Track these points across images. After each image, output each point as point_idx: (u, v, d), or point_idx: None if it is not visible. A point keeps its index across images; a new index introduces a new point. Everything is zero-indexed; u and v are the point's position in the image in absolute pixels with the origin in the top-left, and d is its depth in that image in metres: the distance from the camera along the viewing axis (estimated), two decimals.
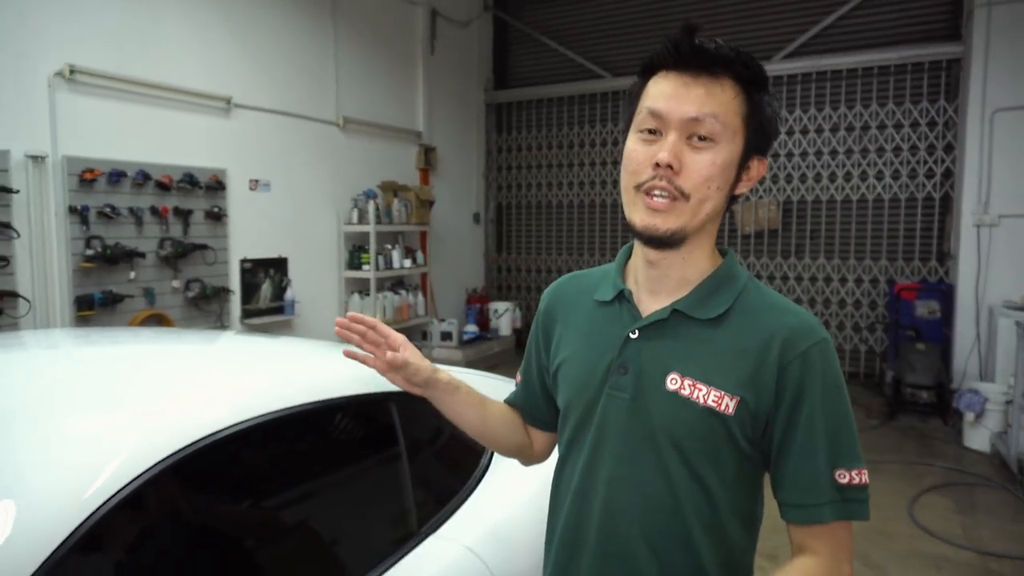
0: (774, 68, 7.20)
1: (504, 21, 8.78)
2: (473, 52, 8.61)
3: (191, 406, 1.27)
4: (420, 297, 7.28)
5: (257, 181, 5.83)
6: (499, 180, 8.95)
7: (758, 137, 1.04)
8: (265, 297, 5.94)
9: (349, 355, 1.14)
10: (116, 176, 4.71)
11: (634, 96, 1.09)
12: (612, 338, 1.09)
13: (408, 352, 1.12)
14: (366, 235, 6.68)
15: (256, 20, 5.76)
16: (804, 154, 7.20)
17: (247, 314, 5.75)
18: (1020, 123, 5.81)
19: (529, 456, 1.31)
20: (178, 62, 5.13)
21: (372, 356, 1.12)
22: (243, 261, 5.73)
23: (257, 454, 1.33)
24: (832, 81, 7.04)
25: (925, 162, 6.69)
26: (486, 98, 8.83)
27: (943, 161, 6.61)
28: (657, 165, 0.98)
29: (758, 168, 1.06)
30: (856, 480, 0.99)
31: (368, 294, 6.61)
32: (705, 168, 0.99)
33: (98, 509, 0.99)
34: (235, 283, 5.66)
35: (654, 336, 1.05)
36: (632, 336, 1.06)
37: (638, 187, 1.01)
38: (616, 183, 7.94)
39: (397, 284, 7.17)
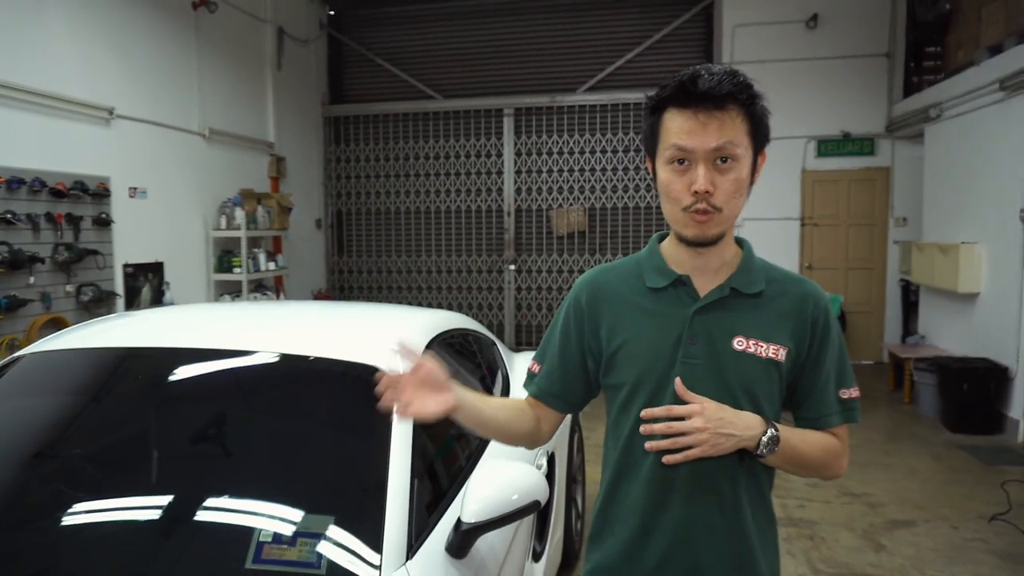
0: (578, 99, 8.83)
1: (340, 41, 9.48)
2: (312, 69, 9.21)
3: (407, 328, 2.18)
4: (280, 297, 7.77)
5: (135, 188, 6.06)
6: (338, 188, 9.61)
7: (761, 139, 1.25)
8: (145, 300, 6.16)
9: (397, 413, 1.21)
10: (17, 183, 4.83)
11: (653, 131, 1.26)
12: (677, 316, 1.27)
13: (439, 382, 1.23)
14: (234, 240, 7.08)
15: (133, 35, 6.00)
16: (604, 169, 8.90)
17: None
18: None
19: (537, 441, 1.43)
20: (66, 74, 5.29)
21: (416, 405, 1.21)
22: (126, 266, 5.94)
23: (450, 348, 2.27)
24: (623, 111, 8.82)
25: None
26: (323, 111, 9.46)
27: None
28: (696, 192, 1.19)
29: (762, 160, 1.29)
30: (853, 395, 1.33)
31: (239, 295, 7.02)
32: (731, 185, 1.20)
33: (428, 344, 1.92)
34: (120, 287, 5.86)
35: (715, 310, 1.27)
36: (699, 311, 1.27)
37: (684, 209, 1.22)
38: (447, 191, 9.13)
39: (259, 286, 7.61)
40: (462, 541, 1.57)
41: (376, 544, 1.45)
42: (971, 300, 5.92)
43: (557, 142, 8.98)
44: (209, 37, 7.03)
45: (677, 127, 1.20)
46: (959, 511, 3.94)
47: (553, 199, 9.04)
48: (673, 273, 1.30)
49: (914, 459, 4.83)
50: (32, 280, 4.99)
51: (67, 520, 1.58)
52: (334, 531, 1.45)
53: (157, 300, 6.27)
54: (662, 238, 1.37)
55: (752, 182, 1.27)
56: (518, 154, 9.11)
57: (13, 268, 4.80)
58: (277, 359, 1.88)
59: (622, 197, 8.86)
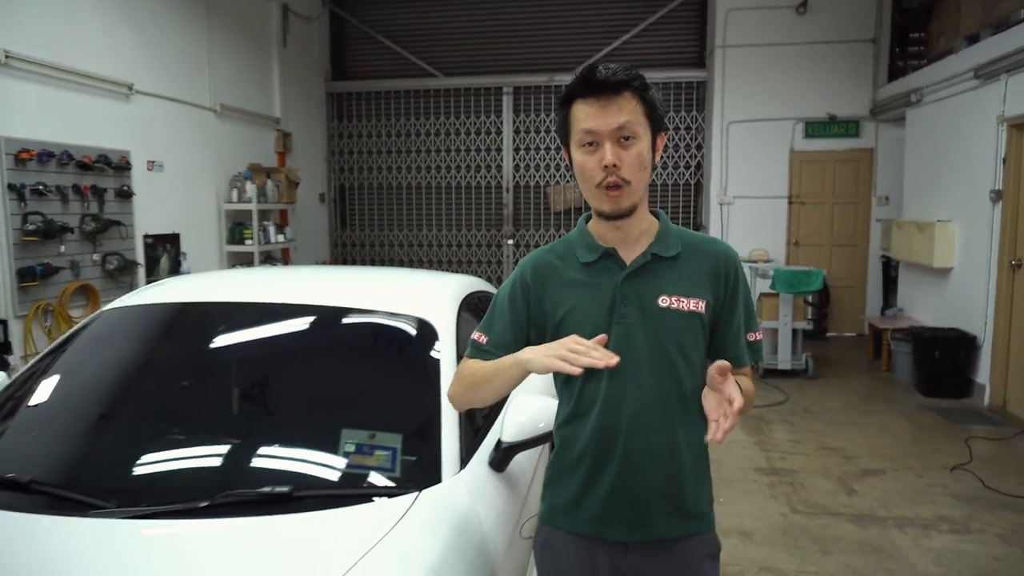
0: None
1: (342, 18, 9.67)
2: (315, 46, 9.40)
3: (442, 288, 2.51)
4: None
5: (153, 162, 6.31)
6: (340, 163, 9.86)
7: (656, 121, 1.42)
8: (164, 269, 6.44)
9: None
10: (47, 156, 5.09)
11: (563, 122, 1.43)
12: (608, 284, 1.44)
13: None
14: (245, 212, 7.35)
15: (149, 12, 6.21)
16: None
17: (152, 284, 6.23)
18: (746, 131, 8.28)
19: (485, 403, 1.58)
20: (90, 51, 5.52)
21: None
22: (146, 236, 6.21)
23: (477, 307, 2.59)
24: None
25: (684, 157, 9.02)
26: (326, 88, 9.67)
27: (696, 157, 8.98)
28: (606, 167, 1.35)
29: (661, 140, 1.46)
30: (758, 338, 1.55)
31: (251, 267, 7.30)
32: (635, 159, 1.37)
33: (459, 309, 2.25)
34: (140, 257, 6.13)
35: (641, 275, 1.44)
36: (626, 277, 1.44)
37: (598, 186, 1.38)
38: (447, 167, 9.40)
39: (268, 258, 7.89)
40: (502, 457, 1.92)
41: (436, 457, 1.79)
42: (945, 275, 6.31)
43: (555, 120, 9.24)
44: (219, 14, 7.24)
45: (584, 114, 1.37)
46: (924, 462, 4.35)
47: (551, 176, 9.34)
48: (601, 247, 1.46)
49: (887, 419, 5.24)
50: (63, 249, 5.27)
51: (176, 438, 1.91)
52: (403, 446, 1.79)
53: (174, 270, 6.55)
54: (588, 219, 1.53)
55: (653, 160, 1.43)
56: (517, 132, 9.38)
57: (46, 237, 5.07)
58: (342, 311, 2.20)
59: None
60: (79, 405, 2.04)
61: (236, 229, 7.37)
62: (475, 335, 1.56)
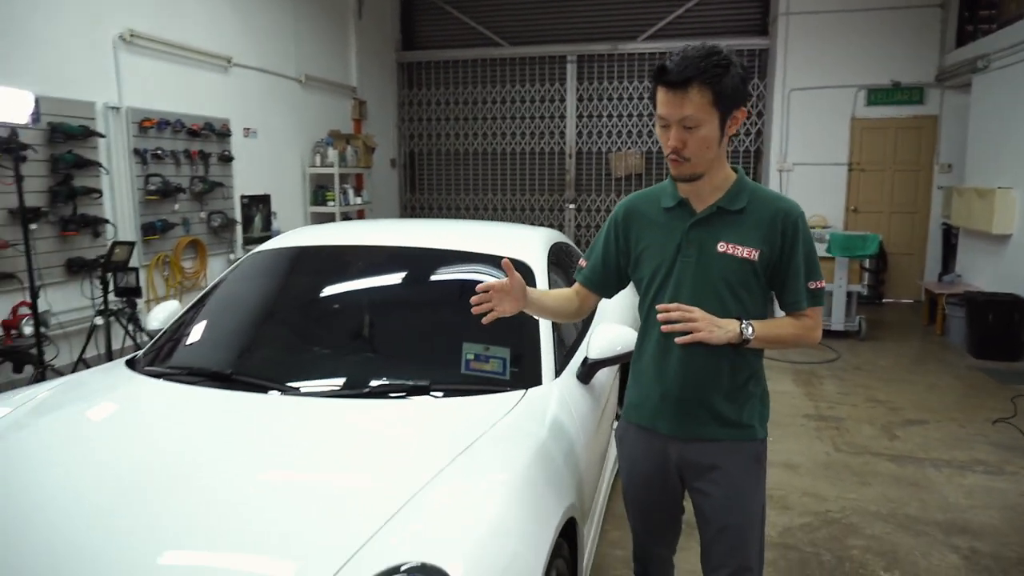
0: (638, 47, 9.31)
1: None
2: (387, 17, 9.84)
3: (534, 237, 2.94)
4: None
5: (248, 129, 6.88)
6: (410, 130, 10.34)
7: (731, 102, 1.60)
8: (257, 227, 7.06)
9: (481, 315, 1.78)
10: (164, 124, 5.69)
11: (652, 99, 1.66)
12: (678, 228, 1.73)
13: (521, 291, 1.79)
14: (326, 176, 7.91)
15: None
16: None
17: (246, 241, 6.87)
18: (807, 99, 8.39)
19: (580, 316, 2.00)
20: (197, 28, 6.08)
21: (499, 306, 1.77)
22: (243, 197, 6.82)
23: (558, 254, 3.02)
24: None
25: (744, 124, 9.15)
26: (397, 58, 10.12)
27: (756, 124, 9.13)
28: (671, 149, 1.64)
29: (741, 114, 1.65)
30: (820, 286, 1.73)
31: None
32: (697, 143, 1.62)
33: (548, 254, 2.68)
34: (238, 215, 6.75)
35: (705, 223, 1.71)
36: (693, 224, 1.72)
37: (668, 156, 1.67)
38: (512, 134, 9.79)
39: (345, 219, 8.46)
40: (587, 371, 2.35)
41: (537, 367, 2.23)
42: (1004, 241, 6.42)
43: (617, 88, 9.51)
44: None
45: (660, 100, 1.62)
46: (968, 415, 4.62)
47: (612, 143, 9.63)
48: (678, 197, 1.75)
49: (936, 378, 5.48)
50: (176, 207, 5.91)
51: (334, 346, 2.42)
52: (512, 358, 2.25)
53: (266, 228, 7.17)
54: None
55: (725, 134, 1.65)
56: (580, 99, 9.67)
57: (164, 197, 5.71)
58: (457, 253, 2.66)
59: None
60: (251, 320, 2.57)
61: (319, 191, 7.94)
62: (581, 261, 1.99)
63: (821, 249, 6.83)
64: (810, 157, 8.48)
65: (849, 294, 6.69)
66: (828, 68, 8.31)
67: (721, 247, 1.70)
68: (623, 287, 1.97)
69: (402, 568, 1.31)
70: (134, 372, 2.32)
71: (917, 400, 4.93)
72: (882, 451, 4.02)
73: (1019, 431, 4.31)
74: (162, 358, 2.41)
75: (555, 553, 1.66)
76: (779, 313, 1.81)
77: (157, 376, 2.25)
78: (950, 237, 8.07)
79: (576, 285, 1.98)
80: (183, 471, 1.68)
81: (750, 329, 1.68)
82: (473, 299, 1.77)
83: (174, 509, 1.52)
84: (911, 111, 8.30)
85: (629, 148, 9.58)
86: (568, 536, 1.86)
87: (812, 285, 1.73)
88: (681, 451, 1.79)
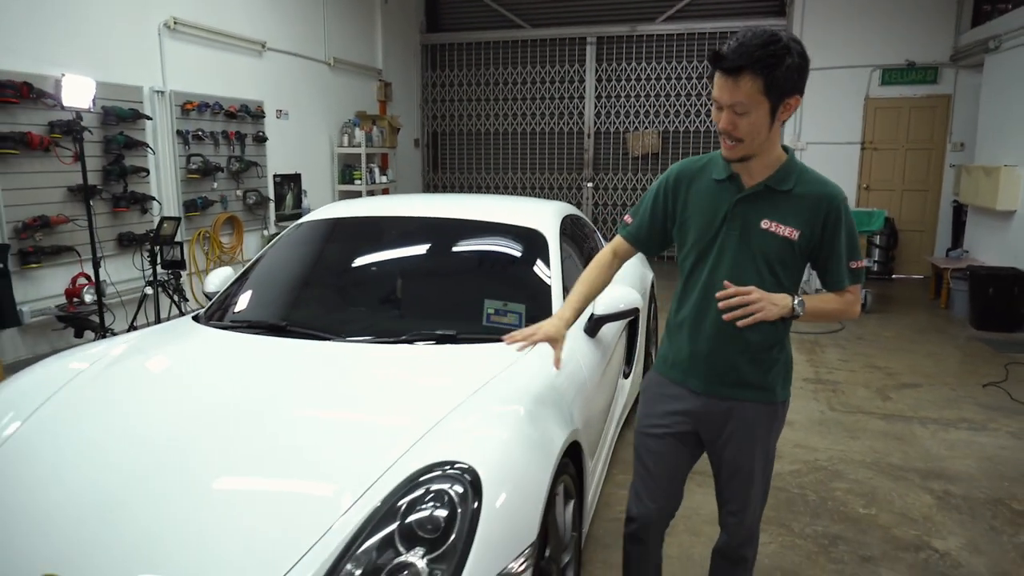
0: (656, 28, 9.50)
1: None
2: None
3: (547, 209, 3.25)
4: None
5: (281, 111, 7.24)
6: (433, 111, 10.65)
7: (783, 91, 1.65)
8: (289, 205, 7.44)
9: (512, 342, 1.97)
10: (204, 106, 6.06)
11: (711, 77, 1.74)
12: (726, 200, 1.82)
13: (557, 350, 1.98)
14: (354, 156, 8.26)
15: None
16: (677, 95, 9.62)
17: (279, 218, 7.25)
18: (822, 79, 8.55)
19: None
20: (233, 14, 6.43)
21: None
22: (275, 176, 7.20)
23: (572, 225, 3.33)
24: (698, 40, 9.45)
25: None
26: (421, 40, 10.40)
27: None
28: (722, 131, 1.73)
29: (795, 102, 1.69)
30: (860, 265, 1.84)
31: None
32: (747, 127, 1.68)
33: (560, 224, 3.01)
34: (271, 193, 7.14)
35: (752, 200, 1.80)
36: (740, 199, 1.80)
37: (720, 135, 1.76)
38: (531, 114, 10.06)
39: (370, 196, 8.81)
40: (594, 325, 2.68)
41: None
42: (1008, 217, 6.61)
43: (636, 69, 9.72)
44: None
45: (716, 84, 1.69)
46: (960, 380, 4.88)
47: (630, 123, 9.86)
48: (730, 170, 1.82)
49: (936, 347, 5.73)
50: (215, 185, 6.30)
51: (372, 301, 2.77)
52: (526, 312, 2.58)
53: (297, 205, 7.55)
54: None
55: (776, 119, 1.68)
56: (599, 80, 9.90)
57: (204, 175, 6.10)
58: (480, 223, 3.00)
59: (694, 121, 9.61)
60: (299, 281, 2.95)
61: (346, 170, 8.30)
62: (625, 217, 2.06)
63: None
64: (824, 136, 8.67)
65: None
66: (843, 48, 8.47)
67: (764, 224, 1.79)
68: (665, 247, 2.05)
69: (434, 464, 1.66)
70: (200, 324, 2.69)
71: (914, 366, 5.20)
72: (874, 410, 4.32)
73: (1007, 394, 4.57)
74: (223, 314, 2.78)
75: (562, 470, 2.01)
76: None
77: (222, 328, 2.62)
78: (960, 214, 8.24)
79: (616, 241, 2.08)
80: (247, 405, 2.03)
81: (802, 305, 1.79)
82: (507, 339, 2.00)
83: (241, 438, 1.86)
84: (925, 90, 8.44)
85: (646, 128, 9.81)
86: (575, 460, 2.20)
87: (853, 265, 1.83)
88: (706, 405, 1.92)
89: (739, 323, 1.75)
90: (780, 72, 1.62)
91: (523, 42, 10.09)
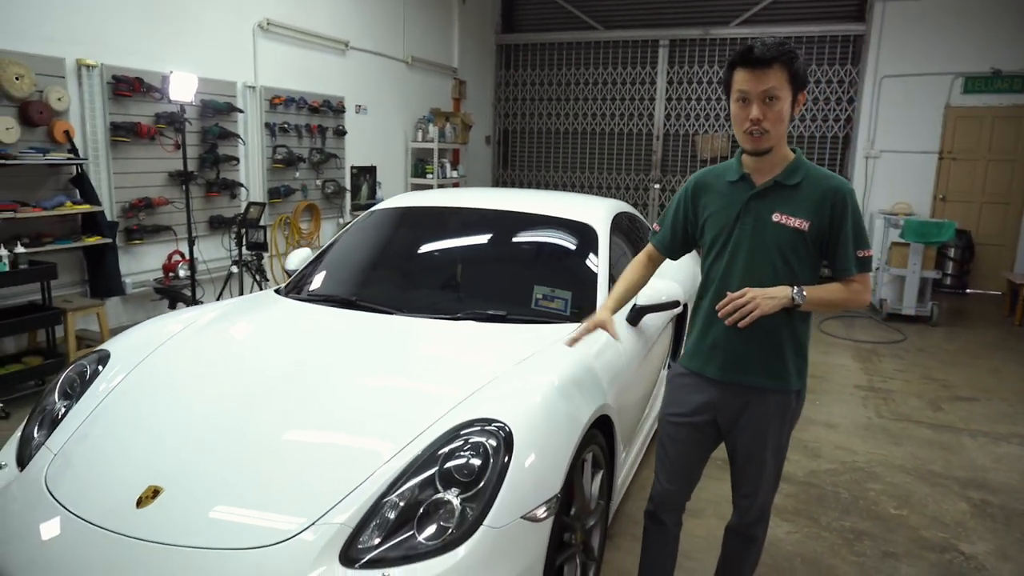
0: (730, 32, 9.50)
1: None
2: (489, 1, 10.42)
3: (600, 205, 3.45)
4: None
5: (360, 106, 7.65)
6: (505, 109, 10.93)
7: (800, 83, 1.87)
8: (363, 195, 7.85)
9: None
10: (290, 101, 6.50)
11: (727, 81, 1.92)
12: (739, 198, 1.98)
13: (610, 327, 2.24)
14: (427, 151, 8.62)
15: None
16: None
17: (354, 208, 7.67)
18: (899, 86, 8.39)
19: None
20: (319, 15, 6.85)
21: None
22: (352, 168, 7.61)
23: (624, 221, 3.52)
24: None
25: (834, 111, 9.22)
26: (496, 40, 10.69)
27: (847, 111, 9.16)
28: (751, 120, 1.85)
29: (802, 97, 1.90)
30: (867, 254, 1.93)
31: None
32: (775, 115, 1.85)
33: (612, 220, 3.20)
34: (348, 184, 7.55)
35: (763, 196, 1.95)
36: (752, 196, 1.96)
37: (745, 131, 1.89)
38: (602, 115, 10.18)
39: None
40: (636, 315, 2.87)
41: (593, 306, 2.77)
42: None
43: (707, 72, 9.74)
44: None
45: (741, 78, 1.86)
46: (1021, 396, 4.80)
47: (700, 125, 9.88)
48: (742, 171, 1.99)
49: (1000, 363, 5.61)
50: (297, 175, 6.74)
51: (435, 281, 3.05)
52: (573, 299, 2.79)
53: (372, 196, 7.95)
54: (741, 152, 2.02)
55: (793, 113, 1.89)
56: (670, 83, 9.96)
57: (287, 165, 6.54)
58: (533, 216, 3.23)
59: None
60: (370, 262, 3.25)
61: (419, 165, 8.67)
62: (654, 225, 2.30)
63: (895, 235, 6.97)
64: (899, 144, 8.50)
65: (923, 279, 6.80)
66: (923, 55, 8.28)
67: (776, 217, 1.93)
68: (689, 251, 2.25)
69: (474, 420, 1.90)
70: (281, 296, 3.03)
71: (973, 380, 5.13)
72: (923, 420, 4.32)
73: None
74: (301, 288, 3.10)
75: (591, 440, 2.22)
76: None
77: (300, 300, 2.94)
78: None
79: (648, 247, 2.31)
80: (316, 366, 2.33)
81: (802, 294, 1.88)
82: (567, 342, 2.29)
83: (309, 392, 2.16)
84: (1011, 99, 8.16)
85: (716, 131, 9.81)
86: (606, 436, 2.40)
87: (860, 253, 1.93)
88: (723, 392, 2.05)
89: (740, 324, 1.88)
90: (798, 65, 1.86)
91: (596, 43, 10.25)
